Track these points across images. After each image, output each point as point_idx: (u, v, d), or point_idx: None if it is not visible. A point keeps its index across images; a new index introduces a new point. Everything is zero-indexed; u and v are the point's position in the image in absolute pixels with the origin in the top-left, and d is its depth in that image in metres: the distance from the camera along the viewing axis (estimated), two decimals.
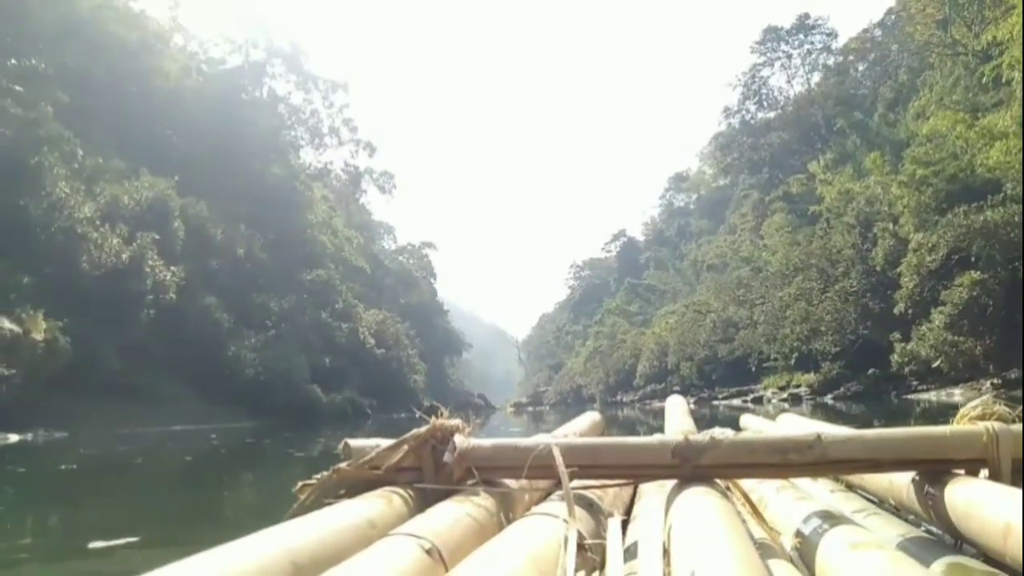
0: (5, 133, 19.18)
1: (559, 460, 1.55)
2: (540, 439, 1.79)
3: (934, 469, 1.61)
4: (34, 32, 28.35)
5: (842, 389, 29.23)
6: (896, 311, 24.60)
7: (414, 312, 72.94)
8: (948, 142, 25.59)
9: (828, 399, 29.55)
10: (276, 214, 47.48)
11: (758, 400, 35.46)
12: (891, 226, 27.14)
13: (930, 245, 22.35)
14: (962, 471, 1.58)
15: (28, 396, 16.90)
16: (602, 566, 1.41)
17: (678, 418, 3.38)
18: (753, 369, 39.24)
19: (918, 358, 23.41)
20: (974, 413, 1.67)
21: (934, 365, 22.41)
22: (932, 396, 22.26)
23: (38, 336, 17.42)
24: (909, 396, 23.44)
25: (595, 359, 75.36)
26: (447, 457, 1.62)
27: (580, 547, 1.30)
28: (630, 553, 1.45)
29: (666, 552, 1.28)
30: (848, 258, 30.47)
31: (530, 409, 63.02)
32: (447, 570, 1.14)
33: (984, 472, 1.55)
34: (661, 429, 3.44)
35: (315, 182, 65.45)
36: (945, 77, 38.25)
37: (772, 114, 67.43)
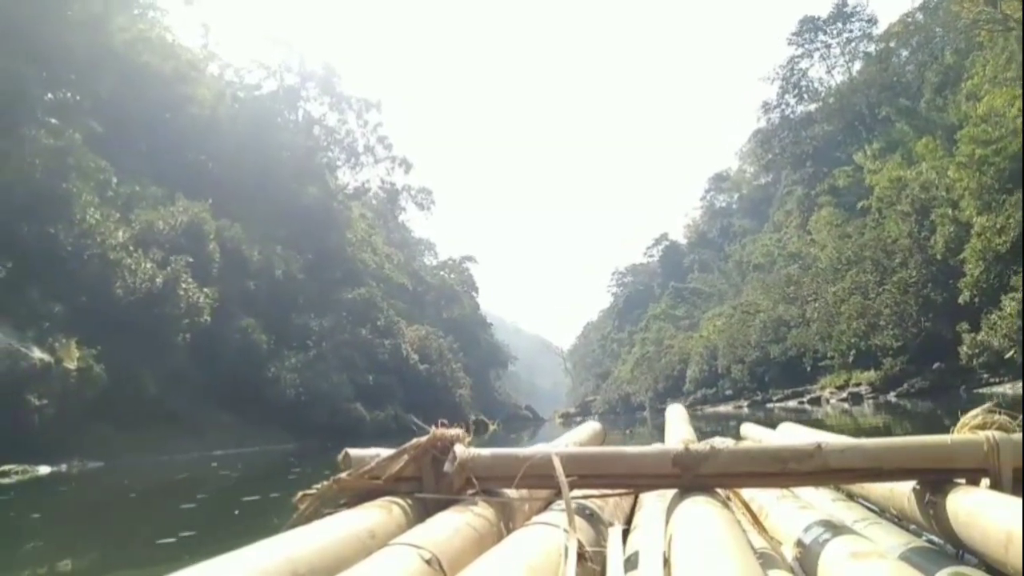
0: (36, 163, 19.17)
1: (559, 469, 1.55)
2: (540, 448, 1.75)
3: (935, 478, 1.60)
4: (69, 65, 28.70)
5: (906, 386, 27.78)
6: (961, 300, 23.21)
7: (457, 327, 72.64)
8: (1007, 119, 24.14)
9: (891, 397, 28.13)
10: (314, 234, 47.63)
11: (815, 401, 34.13)
12: (950, 211, 25.72)
13: (997, 227, 20.95)
14: (963, 480, 1.57)
15: (62, 426, 16.63)
16: (602, 575, 1.41)
17: (678, 427, 3.34)
18: (808, 369, 37.75)
19: (989, 349, 21.95)
20: (975, 422, 1.66)
21: (1007, 356, 20.97)
22: (1007, 389, 20.88)
23: (71, 365, 17.23)
24: (980, 390, 22.02)
25: (642, 366, 74.76)
26: (447, 467, 1.60)
27: (580, 557, 1.29)
28: (631, 563, 1.45)
29: (667, 562, 1.25)
30: (905, 248, 29.03)
31: (578, 419, 61.99)
32: None
33: (985, 481, 1.54)
34: (713, 436, 3.33)
35: (353, 201, 65.82)
36: (997, 55, 36.46)
37: (813, 106, 65.62)
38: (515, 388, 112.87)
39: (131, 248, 21.57)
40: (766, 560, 1.46)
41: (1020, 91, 24.93)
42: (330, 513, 1.47)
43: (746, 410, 37.02)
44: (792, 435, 3.12)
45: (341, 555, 1.16)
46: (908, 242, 28.83)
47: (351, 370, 37.71)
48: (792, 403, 35.94)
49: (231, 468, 15.25)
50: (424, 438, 1.66)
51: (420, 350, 51.71)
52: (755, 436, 3.57)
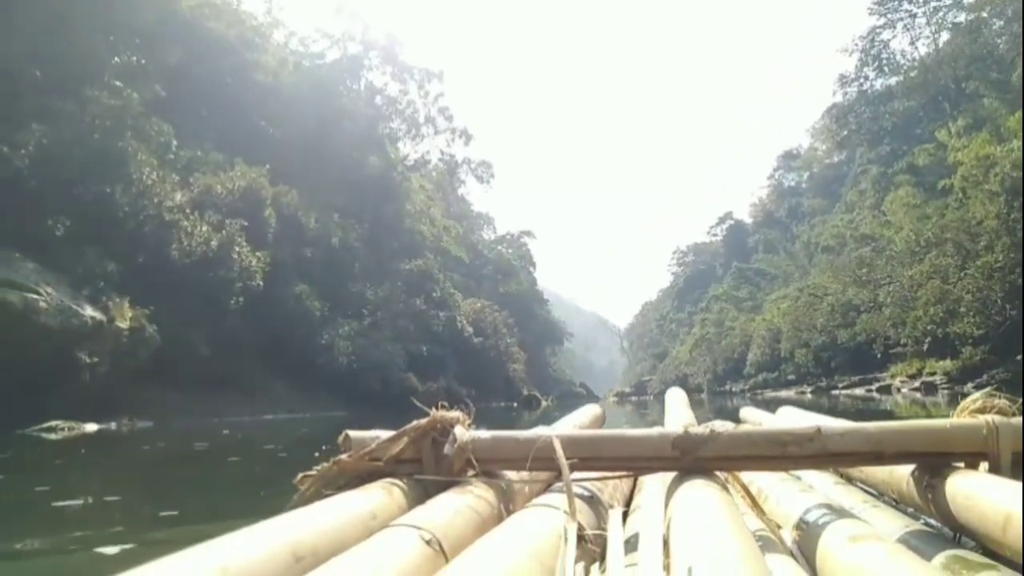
0: (95, 123, 19.25)
1: (559, 452, 1.55)
2: (540, 431, 1.76)
3: (934, 462, 1.60)
4: (136, 31, 28.96)
5: (985, 377, 26.04)
6: None
7: (513, 301, 72.40)
8: None
9: (970, 388, 26.47)
10: (373, 204, 47.76)
11: (885, 389, 32.57)
12: None
13: None
14: (962, 464, 1.57)
15: (113, 385, 16.80)
16: (602, 558, 1.42)
17: (678, 410, 3.32)
18: (879, 356, 35.99)
19: None
20: (974, 406, 1.66)
21: None
22: None
23: (123, 324, 17.32)
24: None
25: (701, 347, 73.71)
26: (447, 449, 1.60)
27: (580, 539, 1.31)
28: (630, 545, 1.46)
29: (666, 544, 1.28)
30: (991, 230, 27.07)
31: (633, 399, 61.65)
32: (447, 561, 1.14)
33: (984, 465, 1.54)
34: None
35: (413, 173, 65.84)
36: None
37: (893, 80, 62.24)
38: (570, 365, 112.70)
39: (188, 211, 21.63)
40: (765, 543, 1.47)
41: None
42: (331, 494, 1.46)
43: (809, 396, 35.72)
44: (792, 419, 3.12)
45: (342, 536, 1.17)
46: (995, 224, 26.88)
47: (405, 340, 37.73)
48: (859, 391, 34.46)
49: (287, 431, 15.15)
50: (424, 420, 1.65)
51: (475, 323, 51.64)
52: (755, 419, 3.57)
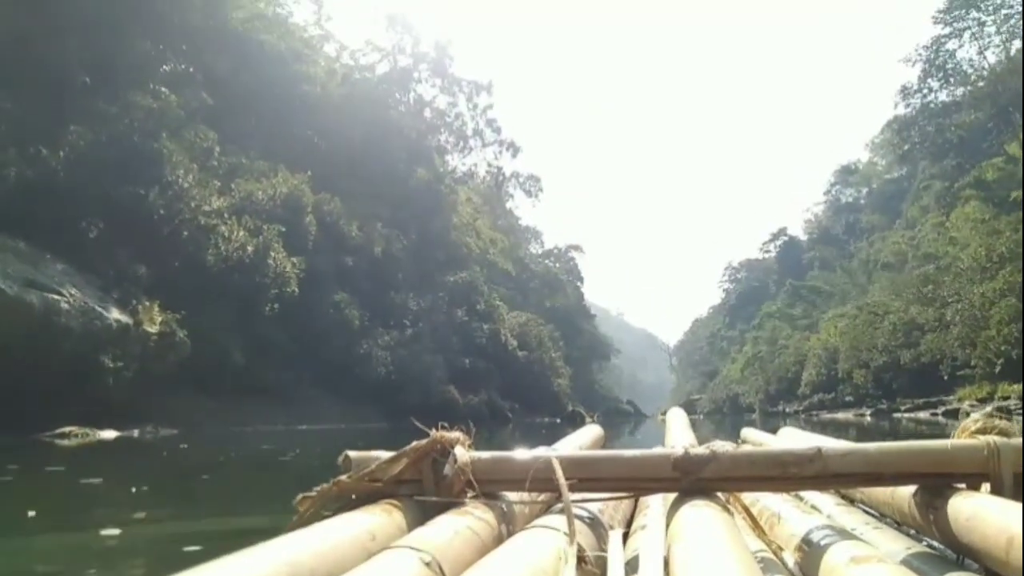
0: (134, 125, 19.15)
1: (559, 473, 1.55)
2: (540, 452, 1.79)
3: (935, 483, 1.60)
4: (185, 39, 29.27)
5: None
6: None
7: (560, 316, 71.60)
8: None
9: None
10: (419, 216, 47.61)
11: (951, 414, 30.61)
12: None
13: None
14: (964, 485, 1.57)
15: (139, 391, 16.40)
16: None
17: (679, 431, 3.31)
18: (945, 378, 33.96)
19: None
20: (975, 427, 1.66)
21: None
22: None
23: (152, 328, 16.96)
24: None
25: (754, 366, 71.94)
26: (447, 469, 1.60)
27: (580, 560, 1.30)
28: (631, 567, 1.47)
29: (667, 565, 1.29)
30: None
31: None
32: None
33: (986, 486, 1.54)
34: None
35: (460, 185, 65.77)
36: None
37: (960, 91, 59.71)
38: (617, 382, 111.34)
39: (226, 216, 21.38)
40: (767, 565, 1.46)
41: None
42: (330, 515, 1.44)
43: (868, 419, 33.96)
44: (793, 439, 3.17)
45: (341, 557, 1.16)
46: None
47: (447, 352, 37.15)
48: (923, 414, 32.56)
49: (317, 442, 14.53)
50: (424, 441, 1.63)
51: (519, 336, 50.83)
52: (756, 440, 3.59)
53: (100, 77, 20.68)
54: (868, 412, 38.35)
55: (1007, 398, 28.33)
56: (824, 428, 24.11)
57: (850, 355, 45.68)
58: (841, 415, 40.34)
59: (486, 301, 47.42)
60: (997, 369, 29.34)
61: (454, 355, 37.86)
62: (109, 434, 14.05)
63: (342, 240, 31.05)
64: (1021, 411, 18.50)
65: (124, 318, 16.33)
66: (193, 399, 18.33)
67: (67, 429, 13.16)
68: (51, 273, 15.32)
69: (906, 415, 33.65)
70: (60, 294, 14.82)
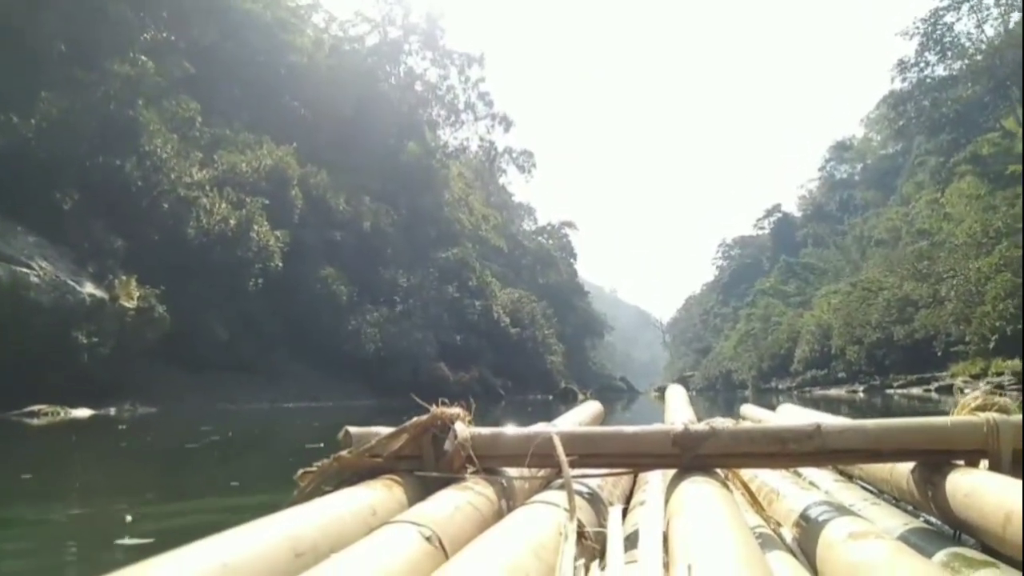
0: (110, 93, 18.43)
1: (559, 448, 1.56)
2: (540, 428, 1.79)
3: (934, 460, 1.61)
4: (168, 8, 28.37)
5: None
6: None
7: (553, 293, 71.27)
8: None
9: None
10: (410, 191, 46.95)
11: (945, 389, 30.50)
12: None
13: None
14: (962, 462, 1.58)
15: (117, 368, 15.85)
16: (602, 554, 1.43)
17: (678, 407, 3.27)
18: (939, 354, 33.78)
19: None
20: (975, 404, 1.66)
21: None
22: None
23: (129, 303, 16.38)
24: None
25: (747, 342, 72.02)
26: (447, 445, 1.60)
27: (580, 535, 1.31)
28: (630, 542, 1.47)
29: (666, 541, 1.29)
30: None
31: None
32: (447, 558, 1.14)
33: (984, 463, 1.55)
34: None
35: (452, 160, 64.96)
36: None
37: (957, 65, 59.05)
38: (610, 359, 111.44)
39: (208, 188, 20.72)
40: (765, 540, 1.46)
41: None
42: (331, 491, 1.43)
43: (861, 395, 33.85)
44: (792, 416, 3.17)
45: (342, 532, 1.16)
46: None
47: (438, 328, 36.72)
48: (916, 390, 32.44)
49: (305, 420, 14.13)
50: (424, 416, 1.63)
51: (512, 313, 50.42)
52: (755, 417, 3.61)
53: (77, 45, 19.92)
54: (861, 388, 38.27)
55: (1001, 374, 28.15)
56: (816, 404, 23.87)
57: (843, 331, 45.56)
58: (834, 391, 40.27)
59: (478, 277, 46.93)
60: (991, 345, 29.14)
61: (445, 332, 37.45)
62: (83, 412, 13.57)
63: (329, 214, 30.41)
64: (1020, 388, 18.24)
65: (99, 293, 15.76)
66: (175, 376, 17.85)
67: (37, 408, 12.67)
68: (20, 245, 14.73)
69: (899, 391, 33.54)
70: (30, 267, 14.25)
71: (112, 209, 17.73)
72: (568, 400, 39.95)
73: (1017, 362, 27.44)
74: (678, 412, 3.12)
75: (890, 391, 34.42)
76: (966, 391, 29.05)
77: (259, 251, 21.36)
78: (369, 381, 27.34)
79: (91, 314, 15.38)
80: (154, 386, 16.58)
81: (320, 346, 26.34)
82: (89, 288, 15.61)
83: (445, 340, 36.69)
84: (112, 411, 14.54)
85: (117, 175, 17.94)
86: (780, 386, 54.13)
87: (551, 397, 42.97)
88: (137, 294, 16.61)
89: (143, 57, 23.79)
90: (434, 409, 1.64)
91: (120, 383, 15.57)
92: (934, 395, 29.15)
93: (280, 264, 22.57)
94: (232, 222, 20.60)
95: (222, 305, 20.43)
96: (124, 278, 16.64)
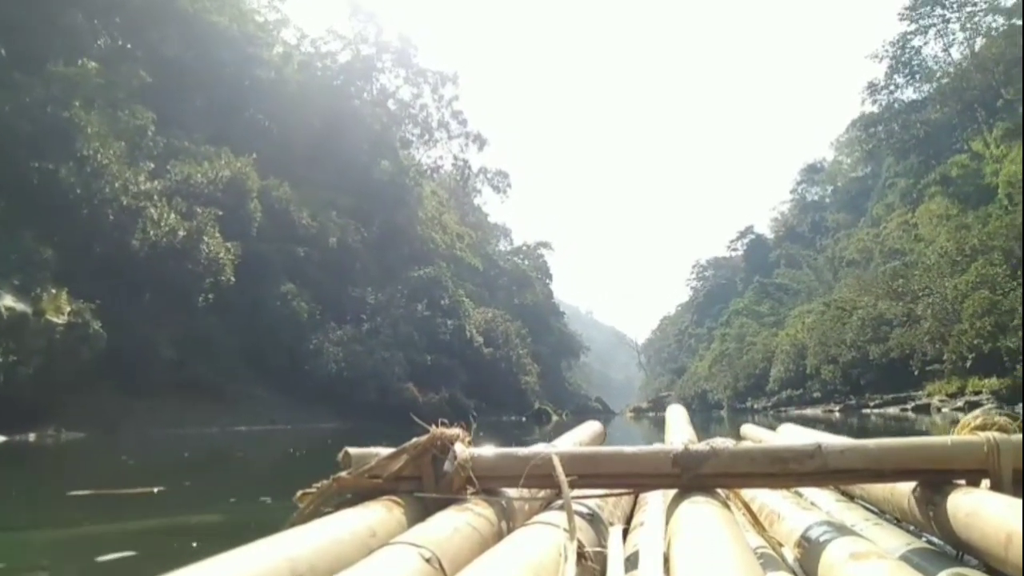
0: (47, 94, 17.35)
1: (559, 469, 1.54)
2: (540, 448, 1.76)
3: (935, 479, 1.60)
4: (122, 15, 27.43)
5: None
6: None
7: (529, 313, 70.52)
8: None
9: (1020, 408, 23.92)
10: (383, 209, 46.06)
11: (922, 409, 30.12)
12: None
13: None
14: (963, 481, 1.56)
15: (42, 389, 14.53)
16: (603, 575, 1.42)
17: (678, 427, 3.18)
18: (915, 373, 33.41)
19: None
20: (975, 423, 1.65)
21: None
22: None
23: (58, 319, 15.15)
24: None
25: (722, 363, 71.82)
26: (447, 466, 1.60)
27: (580, 556, 1.29)
28: (631, 563, 1.47)
29: (667, 562, 1.27)
30: None
31: (651, 414, 59.43)
32: None
33: (986, 482, 1.54)
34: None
35: (426, 179, 64.27)
36: None
37: (925, 87, 59.85)
38: (587, 379, 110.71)
39: (157, 198, 19.62)
40: (766, 560, 1.48)
41: None
42: (330, 512, 1.43)
43: (837, 415, 33.39)
44: (792, 436, 3.16)
45: (341, 554, 1.16)
46: None
47: (408, 348, 35.61)
48: (893, 409, 32.06)
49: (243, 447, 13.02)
50: (424, 437, 1.63)
51: (485, 333, 49.45)
52: (755, 436, 3.59)
53: (19, 48, 18.88)
54: (837, 408, 37.88)
55: (979, 392, 27.76)
56: (795, 425, 23.25)
57: (818, 351, 45.26)
58: (809, 411, 39.84)
59: (451, 296, 45.95)
60: (968, 363, 28.76)
61: (416, 352, 36.34)
62: None
63: (292, 228, 29.31)
64: (1022, 408, 17.63)
65: (20, 306, 14.52)
66: (113, 399, 16.58)
67: None
68: None
69: (875, 411, 33.16)
70: None
71: (45, 217, 16.55)
72: (542, 421, 39.00)
73: (994, 380, 27.08)
74: (678, 432, 3.06)
75: (866, 411, 34.04)
76: (943, 409, 28.53)
77: (209, 264, 20.21)
78: (333, 403, 26.13)
79: (9, 330, 14.09)
80: (90, 409, 15.30)
81: (279, 366, 25.10)
82: (8, 301, 14.34)
83: (416, 360, 35.58)
84: (31, 437, 13.28)
85: (51, 181, 16.78)
86: (756, 406, 53.70)
87: (524, 418, 42.01)
88: (68, 308, 15.38)
89: (91, 62, 22.79)
90: (434, 430, 1.62)
91: (48, 406, 14.31)
92: (911, 414, 28.74)
93: (232, 278, 21.43)
94: (181, 233, 19.47)
95: (170, 322, 19.24)
96: (53, 291, 15.44)
